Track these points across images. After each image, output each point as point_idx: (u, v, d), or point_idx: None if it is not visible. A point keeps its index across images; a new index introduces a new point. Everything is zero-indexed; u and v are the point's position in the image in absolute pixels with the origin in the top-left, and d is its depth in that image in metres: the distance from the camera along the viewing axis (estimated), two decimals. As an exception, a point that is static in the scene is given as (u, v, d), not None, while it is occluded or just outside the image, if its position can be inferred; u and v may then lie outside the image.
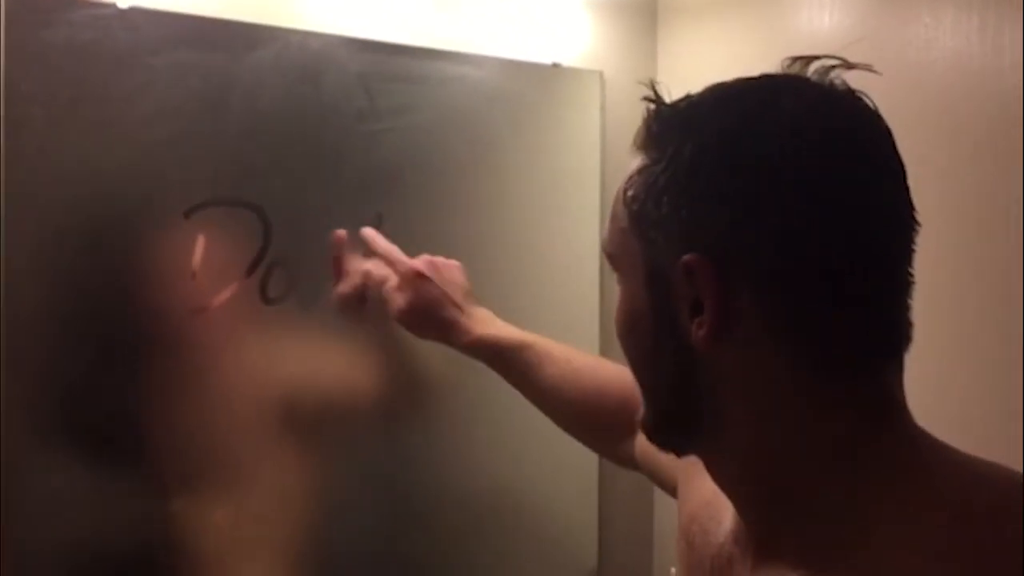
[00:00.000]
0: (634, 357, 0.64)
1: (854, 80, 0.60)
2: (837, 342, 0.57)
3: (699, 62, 1.49)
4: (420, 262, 1.17)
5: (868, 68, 0.60)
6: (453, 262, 1.19)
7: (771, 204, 0.55)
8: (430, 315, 1.14)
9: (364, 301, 1.20)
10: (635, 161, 0.61)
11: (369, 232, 1.22)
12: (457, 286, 1.16)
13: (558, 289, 1.41)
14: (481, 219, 1.39)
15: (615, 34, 1.55)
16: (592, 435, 1.12)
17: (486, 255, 1.38)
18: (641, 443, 0.98)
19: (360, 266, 1.21)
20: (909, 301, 0.59)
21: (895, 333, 0.59)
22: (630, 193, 0.61)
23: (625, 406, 0.98)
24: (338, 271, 1.22)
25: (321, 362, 1.27)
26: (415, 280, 1.15)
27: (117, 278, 1.15)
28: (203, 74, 1.18)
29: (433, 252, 1.32)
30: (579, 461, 1.44)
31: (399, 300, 1.16)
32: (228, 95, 1.19)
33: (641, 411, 0.65)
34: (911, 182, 0.59)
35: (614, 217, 0.63)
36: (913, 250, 0.59)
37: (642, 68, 1.56)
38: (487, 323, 1.14)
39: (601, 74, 1.50)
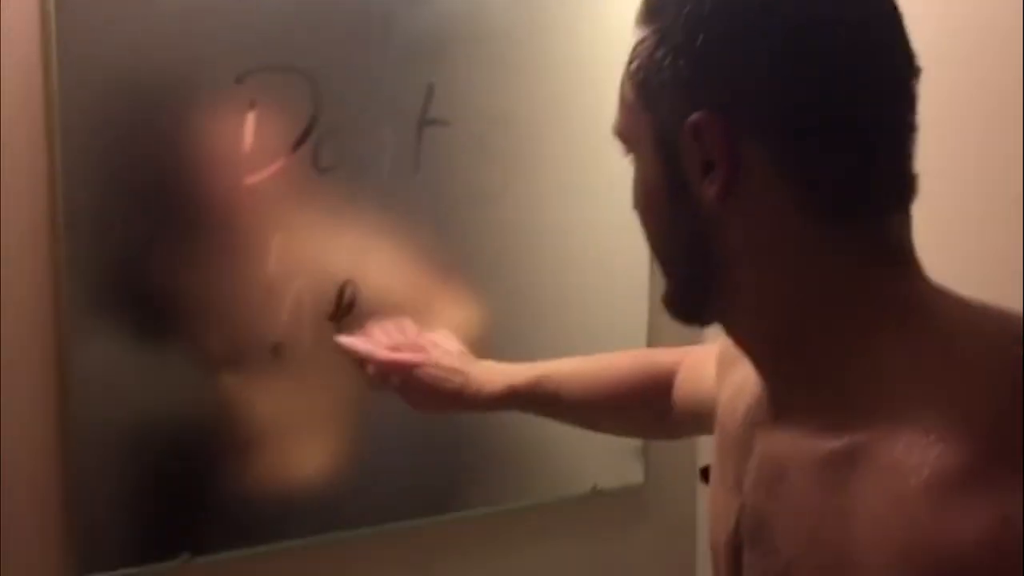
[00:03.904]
0: (652, 230, 0.66)
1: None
2: (842, 190, 0.58)
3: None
4: (407, 353, 1.13)
5: None
6: (439, 333, 1.17)
7: (768, 57, 0.56)
8: (438, 397, 1.11)
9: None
10: (637, 35, 0.62)
11: (345, 340, 1.18)
12: (450, 354, 1.13)
13: (607, 154, 1.39)
14: (532, 86, 1.36)
15: None
16: (632, 427, 1.16)
17: (537, 123, 1.37)
18: (676, 396, 1.00)
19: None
20: (912, 150, 0.59)
21: (900, 182, 0.60)
22: (634, 66, 0.62)
23: (648, 389, 1.03)
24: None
25: (374, 231, 1.27)
26: (409, 372, 1.12)
27: (171, 147, 1.15)
28: (250, -63, 1.16)
29: (483, 122, 1.31)
30: (627, 331, 1.45)
31: (408, 399, 1.13)
32: (276, -41, 1.17)
33: (663, 287, 0.66)
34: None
35: (621, 96, 0.64)
36: (916, 97, 0.59)
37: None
38: (492, 377, 1.10)
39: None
